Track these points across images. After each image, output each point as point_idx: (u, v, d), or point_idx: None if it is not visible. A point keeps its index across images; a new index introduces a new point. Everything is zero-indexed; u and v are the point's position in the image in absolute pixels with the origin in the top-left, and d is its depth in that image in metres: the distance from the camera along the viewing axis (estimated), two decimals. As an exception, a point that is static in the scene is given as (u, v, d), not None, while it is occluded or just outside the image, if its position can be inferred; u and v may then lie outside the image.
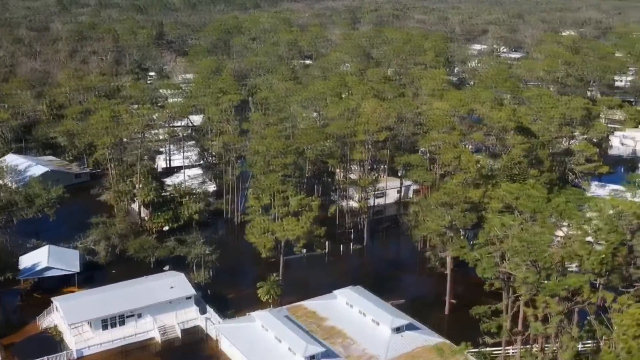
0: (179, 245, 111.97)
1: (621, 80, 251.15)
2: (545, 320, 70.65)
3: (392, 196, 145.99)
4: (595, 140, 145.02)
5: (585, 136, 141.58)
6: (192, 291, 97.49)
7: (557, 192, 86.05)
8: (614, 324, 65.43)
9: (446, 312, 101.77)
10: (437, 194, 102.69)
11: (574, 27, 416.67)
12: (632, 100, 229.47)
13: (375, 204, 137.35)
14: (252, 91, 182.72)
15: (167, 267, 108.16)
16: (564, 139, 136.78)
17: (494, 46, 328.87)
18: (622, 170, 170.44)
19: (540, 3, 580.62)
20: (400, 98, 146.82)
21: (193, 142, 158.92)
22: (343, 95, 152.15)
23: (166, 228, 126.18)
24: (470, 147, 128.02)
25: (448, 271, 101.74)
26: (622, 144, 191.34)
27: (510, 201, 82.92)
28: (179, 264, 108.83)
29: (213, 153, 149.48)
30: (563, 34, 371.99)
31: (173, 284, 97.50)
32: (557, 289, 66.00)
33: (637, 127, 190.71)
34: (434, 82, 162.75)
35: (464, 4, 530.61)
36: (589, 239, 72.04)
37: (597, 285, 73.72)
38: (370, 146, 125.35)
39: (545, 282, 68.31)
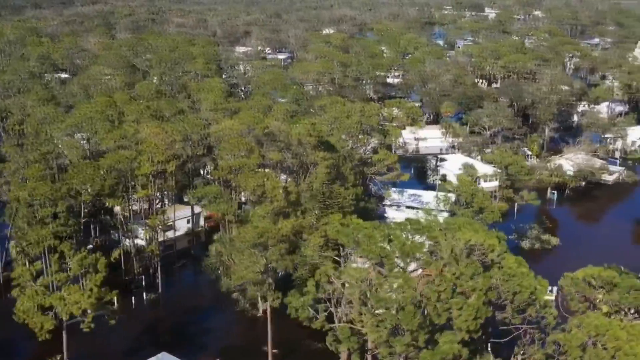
0: None
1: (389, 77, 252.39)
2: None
3: (182, 226, 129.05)
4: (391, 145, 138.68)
5: (381, 142, 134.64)
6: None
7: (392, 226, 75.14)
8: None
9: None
10: (245, 231, 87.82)
11: (331, 25, 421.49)
12: (403, 96, 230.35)
13: (165, 238, 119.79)
14: (2, 115, 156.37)
15: None
16: (362, 148, 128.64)
17: (259, 48, 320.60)
18: (412, 171, 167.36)
19: (295, 2, 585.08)
20: (181, 116, 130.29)
21: None
22: (115, 118, 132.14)
23: None
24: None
25: (268, 319, 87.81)
26: (405, 143, 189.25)
27: (347, 244, 70.60)
28: None
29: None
30: (324, 32, 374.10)
31: None
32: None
33: (413, 124, 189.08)
34: (213, 94, 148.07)
35: (221, 5, 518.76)
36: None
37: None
38: (156, 178, 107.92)
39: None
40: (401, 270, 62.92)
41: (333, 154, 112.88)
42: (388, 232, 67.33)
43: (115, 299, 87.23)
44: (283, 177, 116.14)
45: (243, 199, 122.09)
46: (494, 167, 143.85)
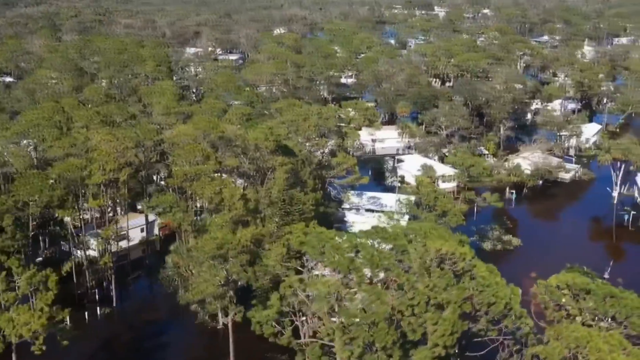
0: None
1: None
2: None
3: (136, 236, 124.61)
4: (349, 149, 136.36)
5: (339, 145, 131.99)
6: None
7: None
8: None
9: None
10: (204, 242, 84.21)
11: (283, 24, 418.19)
12: (358, 97, 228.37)
13: (118, 247, 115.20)
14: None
15: None
16: (320, 151, 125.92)
17: (210, 49, 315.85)
18: (370, 172, 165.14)
19: (245, 2, 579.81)
20: (133, 121, 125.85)
21: None
22: (64, 124, 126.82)
23: None
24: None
25: (230, 333, 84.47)
26: (362, 144, 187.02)
27: (313, 256, 67.71)
28: None
29: None
30: (275, 32, 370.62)
31: None
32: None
33: (371, 125, 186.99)
34: (165, 98, 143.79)
35: (170, 5, 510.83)
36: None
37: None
38: (108, 187, 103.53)
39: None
40: (371, 283, 60.29)
41: (291, 158, 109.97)
42: (355, 243, 64.53)
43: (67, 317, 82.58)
44: (240, 181, 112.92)
45: (199, 205, 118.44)
46: (453, 167, 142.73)
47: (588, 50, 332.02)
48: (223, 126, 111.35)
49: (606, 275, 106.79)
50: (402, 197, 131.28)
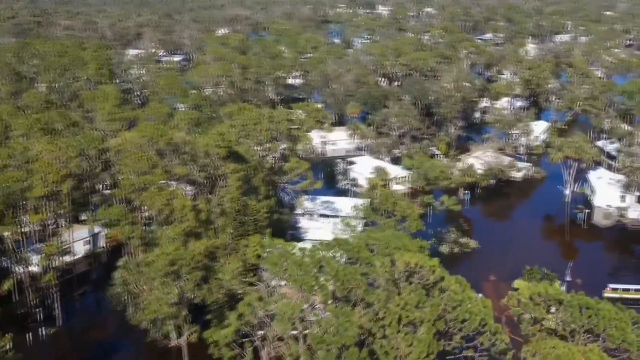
0: None
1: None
2: None
3: (80, 248, 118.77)
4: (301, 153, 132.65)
5: (291, 149, 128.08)
6: None
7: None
8: None
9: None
10: (156, 258, 79.56)
11: (225, 24, 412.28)
12: (306, 97, 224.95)
13: (62, 262, 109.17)
14: None
15: None
16: (272, 156, 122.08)
17: (152, 50, 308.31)
18: (322, 176, 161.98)
19: (187, 2, 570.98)
20: (76, 129, 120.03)
21: None
22: (1, 133, 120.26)
23: None
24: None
25: (184, 354, 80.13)
26: (312, 147, 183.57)
27: (275, 273, 63.86)
28: None
29: None
30: (218, 32, 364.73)
31: None
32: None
33: (321, 126, 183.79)
34: (108, 103, 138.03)
35: (110, 6, 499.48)
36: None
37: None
38: (50, 199, 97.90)
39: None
40: (336, 300, 56.86)
41: (243, 164, 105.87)
42: (319, 257, 60.92)
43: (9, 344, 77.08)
44: (189, 188, 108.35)
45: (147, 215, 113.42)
46: (408, 170, 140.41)
47: (532, 47, 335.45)
48: (171, 133, 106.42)
49: (568, 278, 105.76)
50: (358, 201, 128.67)
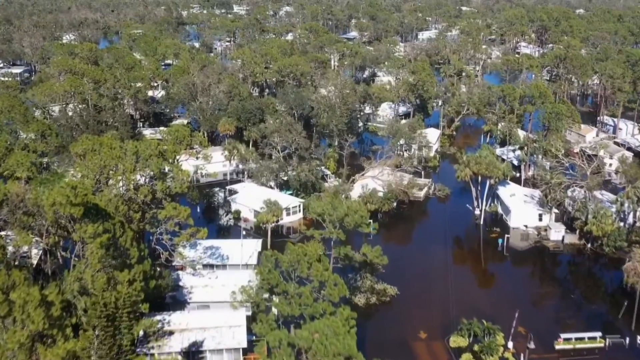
0: None
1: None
2: None
3: None
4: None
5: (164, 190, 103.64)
6: None
7: None
8: None
9: None
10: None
11: (72, 29, 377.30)
12: (171, 114, 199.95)
13: None
14: None
15: None
16: (142, 200, 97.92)
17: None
18: (198, 210, 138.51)
19: (26, 5, 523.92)
20: None
21: None
22: None
23: None
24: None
25: None
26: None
27: None
28: None
29: None
30: (65, 39, 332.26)
31: None
32: None
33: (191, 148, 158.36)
34: None
35: None
36: None
37: None
38: None
39: None
40: None
41: (107, 222, 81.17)
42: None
43: None
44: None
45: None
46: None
47: (402, 46, 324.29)
48: (4, 188, 79.90)
49: (531, 346, 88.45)
50: (249, 246, 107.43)
